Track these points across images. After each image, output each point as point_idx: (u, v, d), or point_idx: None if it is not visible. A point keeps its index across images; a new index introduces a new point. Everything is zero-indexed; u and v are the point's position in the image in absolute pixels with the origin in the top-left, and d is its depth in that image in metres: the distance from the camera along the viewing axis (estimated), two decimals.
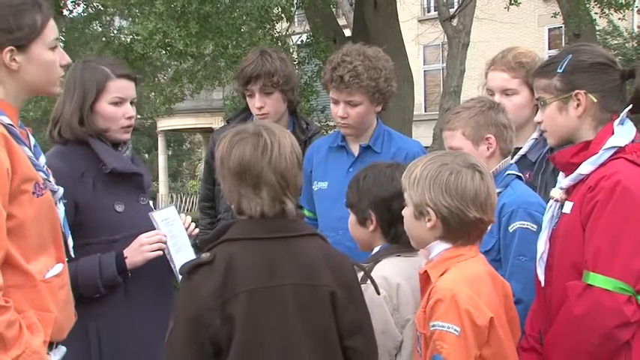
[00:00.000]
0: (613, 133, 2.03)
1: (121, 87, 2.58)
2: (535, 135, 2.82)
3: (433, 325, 1.90)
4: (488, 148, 2.45)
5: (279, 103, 3.19)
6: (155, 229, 2.56)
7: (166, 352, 1.86)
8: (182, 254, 2.64)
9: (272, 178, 1.84)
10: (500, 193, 2.40)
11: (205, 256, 1.83)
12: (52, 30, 2.04)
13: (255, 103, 3.17)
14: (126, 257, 2.47)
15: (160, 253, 2.53)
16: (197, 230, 2.76)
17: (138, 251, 2.48)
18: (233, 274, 1.80)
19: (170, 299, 2.68)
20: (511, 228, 2.34)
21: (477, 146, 2.44)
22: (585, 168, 2.03)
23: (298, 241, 1.90)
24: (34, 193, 1.92)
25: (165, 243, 2.54)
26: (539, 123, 2.24)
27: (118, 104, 2.56)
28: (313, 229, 1.98)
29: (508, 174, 2.46)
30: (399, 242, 2.23)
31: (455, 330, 1.86)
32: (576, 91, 2.07)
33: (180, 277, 2.65)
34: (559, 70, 2.10)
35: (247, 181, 1.85)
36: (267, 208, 1.86)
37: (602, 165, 2.01)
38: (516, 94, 2.81)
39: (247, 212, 1.87)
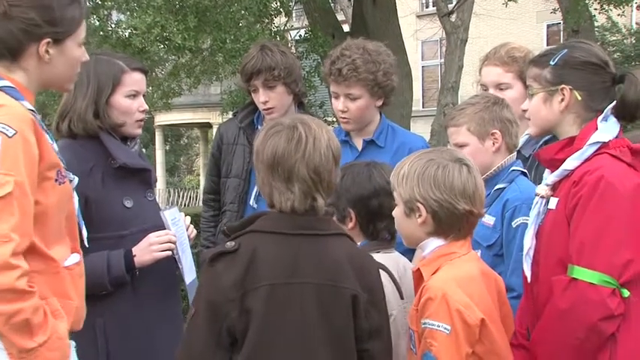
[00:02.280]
0: (597, 129, 2.04)
1: (136, 80, 2.59)
2: (529, 131, 2.82)
3: (424, 323, 1.92)
4: (493, 144, 2.46)
5: (284, 96, 3.18)
6: (165, 227, 2.55)
7: (186, 339, 1.85)
8: (185, 255, 2.65)
9: (304, 172, 1.82)
10: (504, 188, 2.41)
11: (230, 244, 1.81)
12: (84, 28, 2.07)
13: (259, 98, 3.17)
14: (134, 255, 2.46)
15: (169, 253, 2.52)
16: (195, 232, 2.76)
17: (147, 250, 2.48)
18: (256, 266, 1.79)
19: (176, 296, 2.69)
20: (514, 223, 2.35)
21: (483, 142, 2.45)
22: (570, 164, 2.04)
23: (325, 240, 1.88)
24: (56, 180, 1.93)
25: (174, 243, 2.53)
26: (524, 111, 2.25)
27: (133, 97, 2.56)
28: (342, 229, 1.97)
29: (513, 170, 2.46)
30: (377, 239, 2.26)
31: (445, 329, 1.87)
32: (563, 85, 2.08)
33: (187, 278, 2.67)
34: (551, 63, 2.11)
35: (280, 174, 1.83)
36: (298, 203, 1.84)
37: (587, 160, 2.02)
38: (510, 88, 2.82)
39: (277, 206, 1.86)
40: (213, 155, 3.43)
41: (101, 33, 8.95)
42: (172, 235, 2.54)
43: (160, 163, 23.37)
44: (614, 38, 16.26)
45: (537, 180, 2.65)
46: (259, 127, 3.30)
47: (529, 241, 2.13)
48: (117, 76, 2.52)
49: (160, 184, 23.20)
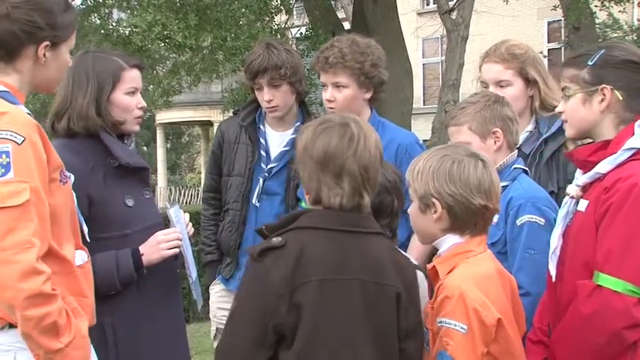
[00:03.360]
0: (633, 134, 2.02)
1: (135, 77, 2.58)
2: (530, 128, 2.83)
3: (440, 322, 1.91)
4: (495, 142, 2.46)
5: (288, 95, 3.17)
6: (170, 225, 2.56)
7: (229, 333, 1.85)
8: (188, 253, 2.66)
9: (355, 169, 1.83)
10: (506, 186, 2.41)
11: (277, 240, 1.81)
12: (75, 33, 2.10)
13: (264, 96, 3.16)
14: (142, 254, 2.46)
15: (177, 251, 2.53)
16: (192, 230, 2.77)
17: (155, 249, 2.48)
18: (305, 261, 1.78)
19: (178, 295, 2.70)
20: (519, 221, 2.34)
21: (485, 140, 2.45)
22: (603, 167, 2.02)
23: (368, 238, 1.89)
24: (60, 180, 1.96)
25: (181, 240, 2.55)
26: (560, 113, 2.24)
27: (132, 94, 2.56)
28: (380, 228, 1.98)
29: (515, 168, 2.47)
30: None
31: (462, 328, 1.86)
32: (603, 85, 2.06)
33: (194, 274, 2.69)
34: (590, 63, 2.09)
35: (330, 170, 1.83)
36: (347, 200, 1.84)
37: (620, 165, 2.00)
38: (510, 85, 2.81)
39: (325, 201, 1.85)
40: (214, 153, 3.42)
41: (102, 31, 8.97)
42: (179, 233, 2.55)
43: (161, 161, 23.41)
44: (616, 35, 16.22)
45: (537, 178, 2.66)
46: (261, 125, 3.31)
47: (555, 241, 2.12)
48: (117, 73, 2.51)
49: (161, 182, 23.24)
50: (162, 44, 8.39)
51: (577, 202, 2.11)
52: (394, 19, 8.74)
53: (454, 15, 10.00)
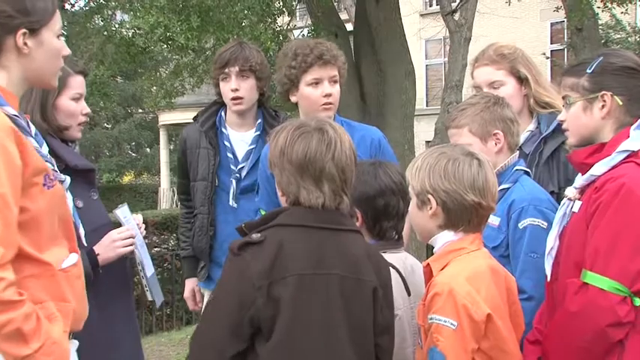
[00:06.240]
0: (628, 137, 2.05)
1: (80, 83, 2.60)
2: (531, 127, 2.82)
3: (431, 318, 1.93)
4: (496, 144, 2.45)
5: (253, 90, 3.24)
6: (121, 225, 2.60)
7: (204, 324, 1.88)
8: (143, 250, 2.72)
9: (334, 172, 1.89)
10: (508, 188, 2.41)
11: (256, 236, 1.86)
12: (58, 18, 2.03)
13: (230, 85, 3.22)
14: (97, 254, 2.48)
15: (132, 248, 2.57)
16: (144, 232, 2.78)
17: (110, 247, 2.51)
18: (283, 257, 1.83)
19: (131, 295, 2.72)
20: (521, 225, 2.34)
21: (485, 142, 2.44)
22: (597, 169, 2.05)
23: (346, 235, 1.94)
24: (44, 185, 1.91)
25: (134, 238, 2.59)
26: (561, 122, 2.25)
27: (77, 100, 2.58)
28: (357, 226, 2.03)
29: (516, 169, 2.46)
30: (383, 238, 2.28)
31: (451, 324, 1.89)
32: (603, 92, 2.09)
33: (147, 271, 2.74)
34: (588, 71, 2.12)
35: (310, 174, 1.88)
36: (329, 201, 1.90)
37: (614, 167, 2.02)
38: (503, 85, 2.81)
39: (306, 204, 1.90)
40: (179, 160, 3.51)
41: (105, 33, 8.98)
42: (132, 231, 2.59)
43: (164, 162, 23.46)
44: (619, 36, 16.23)
45: (537, 178, 2.65)
46: (223, 129, 3.35)
47: (552, 241, 2.15)
48: (63, 78, 2.47)
49: (164, 184, 23.28)
50: (165, 46, 8.40)
51: (574, 204, 2.13)
52: (397, 21, 8.73)
53: (457, 16, 9.97)
